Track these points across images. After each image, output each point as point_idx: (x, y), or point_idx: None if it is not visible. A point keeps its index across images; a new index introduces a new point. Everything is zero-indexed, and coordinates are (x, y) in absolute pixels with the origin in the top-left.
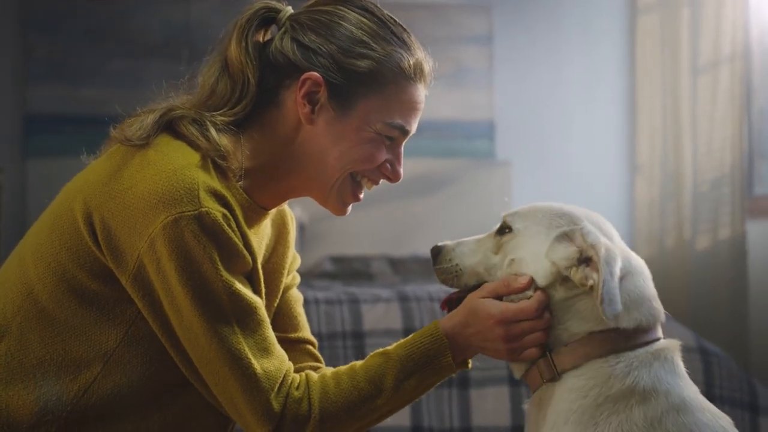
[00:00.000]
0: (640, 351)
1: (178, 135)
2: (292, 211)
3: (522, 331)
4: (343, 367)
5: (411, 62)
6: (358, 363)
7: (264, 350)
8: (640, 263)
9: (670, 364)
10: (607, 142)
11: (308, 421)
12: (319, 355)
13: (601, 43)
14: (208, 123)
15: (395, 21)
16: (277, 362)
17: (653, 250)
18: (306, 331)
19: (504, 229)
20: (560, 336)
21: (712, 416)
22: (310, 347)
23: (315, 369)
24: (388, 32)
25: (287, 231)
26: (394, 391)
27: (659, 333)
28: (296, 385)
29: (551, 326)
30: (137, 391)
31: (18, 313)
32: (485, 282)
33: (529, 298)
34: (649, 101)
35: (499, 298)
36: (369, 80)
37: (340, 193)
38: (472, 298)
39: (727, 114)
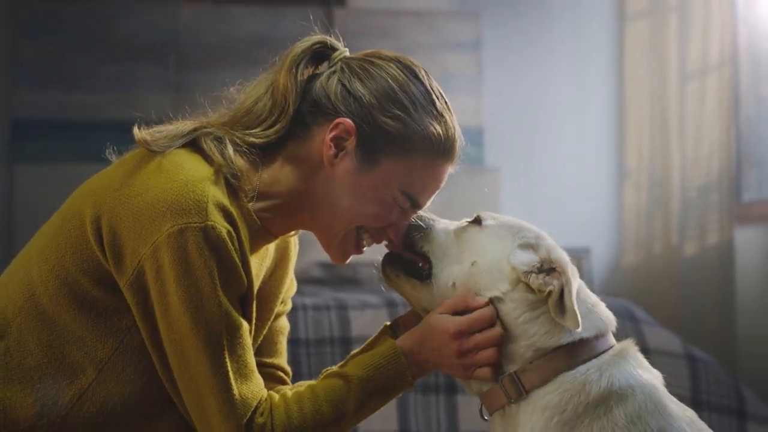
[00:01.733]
0: (604, 355)
1: (197, 149)
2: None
3: (476, 345)
4: (303, 390)
5: (444, 138)
6: (318, 385)
7: (244, 376)
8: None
9: (634, 360)
10: (595, 148)
11: None
12: (288, 382)
13: (589, 50)
14: (228, 142)
15: (440, 94)
16: (255, 389)
17: (641, 256)
18: (282, 360)
19: (474, 222)
20: (525, 353)
21: (679, 408)
22: (282, 375)
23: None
24: (429, 102)
25: (288, 258)
26: (355, 413)
27: (612, 339)
28: (261, 411)
29: (514, 343)
30: (129, 402)
31: (19, 314)
32: (431, 253)
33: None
34: (637, 107)
35: (458, 314)
36: (399, 143)
37: (343, 244)
38: (428, 316)
39: (715, 120)
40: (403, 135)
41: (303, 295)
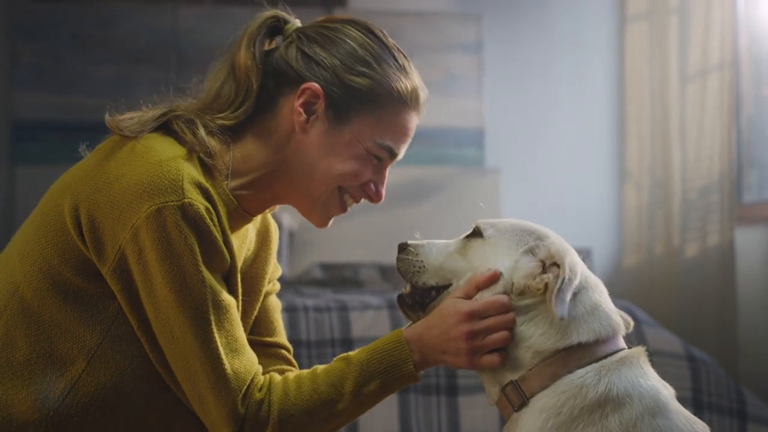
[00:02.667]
0: (605, 360)
1: (168, 131)
2: (280, 219)
3: (487, 327)
4: (305, 371)
5: (408, 88)
6: (321, 367)
7: (235, 351)
8: (596, 280)
9: (638, 368)
10: (596, 149)
11: (267, 423)
12: (293, 360)
13: (590, 51)
14: (199, 123)
15: (398, 48)
16: (247, 364)
17: (642, 257)
18: (282, 337)
19: (473, 234)
20: (523, 357)
21: (687, 420)
22: (284, 352)
23: (284, 372)
24: (390, 57)
25: (270, 240)
26: (354, 395)
27: (621, 344)
28: (258, 386)
29: (516, 347)
30: (122, 390)
31: (4, 311)
32: (447, 284)
33: None
34: (637, 109)
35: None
36: (366, 98)
37: (326, 206)
38: (441, 302)
39: (716, 122)
40: (370, 90)
41: (304, 297)
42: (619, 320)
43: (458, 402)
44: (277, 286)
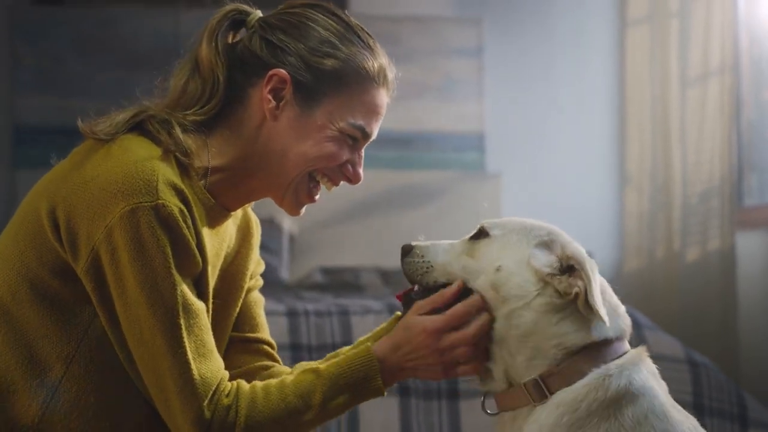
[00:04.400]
0: (624, 357)
1: (144, 132)
2: (281, 223)
3: (452, 342)
4: (273, 380)
5: (375, 66)
6: (289, 377)
7: (202, 356)
8: (605, 283)
9: (647, 365)
10: (596, 153)
11: (233, 428)
12: (276, 356)
13: (590, 55)
14: (174, 122)
15: (362, 28)
16: (214, 369)
17: (643, 261)
18: (265, 333)
19: (479, 235)
20: (553, 352)
21: (684, 416)
22: (267, 348)
23: (267, 368)
24: (355, 36)
25: (251, 235)
26: (321, 408)
27: (627, 345)
28: (226, 392)
29: (544, 342)
30: (103, 395)
31: None
32: (455, 278)
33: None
34: (638, 113)
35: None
36: (334, 79)
37: (296, 193)
38: (406, 318)
39: (717, 126)
40: (337, 71)
41: (305, 301)
42: (628, 317)
43: (459, 406)
44: (260, 281)
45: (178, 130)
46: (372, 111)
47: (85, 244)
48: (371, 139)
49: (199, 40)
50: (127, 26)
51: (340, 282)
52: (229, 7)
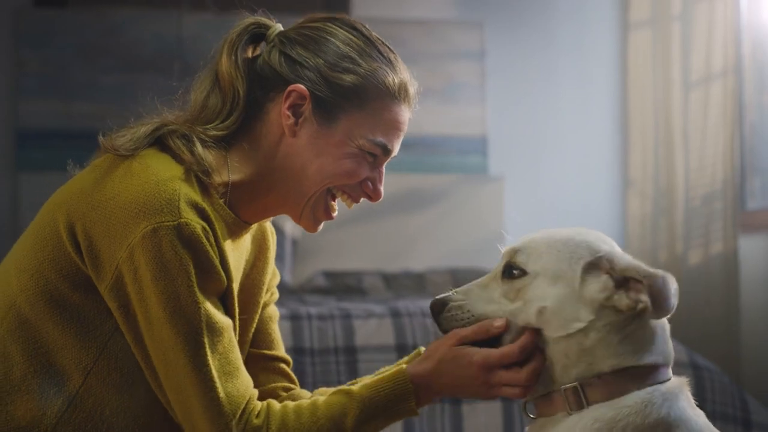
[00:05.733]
0: (669, 384)
1: (165, 148)
2: (282, 227)
3: (499, 380)
4: (305, 401)
5: (396, 81)
6: (321, 398)
7: (229, 374)
8: None
9: (687, 398)
10: (599, 157)
11: None
12: (292, 375)
13: (593, 59)
14: (195, 138)
15: (382, 41)
16: (241, 387)
17: (646, 264)
18: (280, 349)
19: (512, 270)
20: (603, 369)
21: None
22: (284, 366)
23: (287, 390)
24: (375, 51)
25: (267, 247)
26: (353, 430)
27: (671, 372)
28: (256, 412)
29: (598, 362)
30: (119, 409)
31: (0, 326)
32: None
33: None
34: (640, 116)
35: (475, 344)
36: (353, 95)
37: (314, 210)
38: (442, 347)
39: (719, 129)
40: (357, 87)
41: (307, 305)
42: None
43: (462, 410)
44: (276, 295)
45: (199, 146)
46: (393, 127)
47: (108, 263)
48: (392, 156)
49: (219, 53)
50: (130, 30)
51: (343, 286)
52: (248, 20)
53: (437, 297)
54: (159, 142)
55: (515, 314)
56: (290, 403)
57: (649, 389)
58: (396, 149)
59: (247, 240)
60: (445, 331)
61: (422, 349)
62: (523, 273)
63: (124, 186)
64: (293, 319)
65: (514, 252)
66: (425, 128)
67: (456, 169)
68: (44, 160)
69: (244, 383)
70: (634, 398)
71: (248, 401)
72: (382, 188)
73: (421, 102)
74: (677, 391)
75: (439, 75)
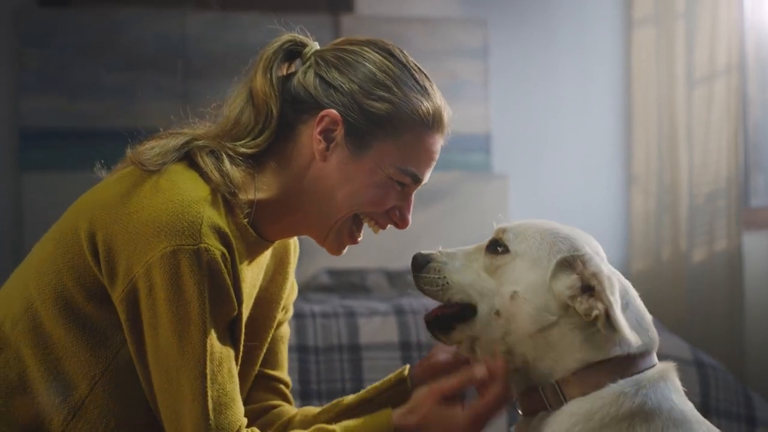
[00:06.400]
0: (646, 373)
1: (193, 164)
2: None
3: (487, 420)
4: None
5: (430, 110)
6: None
7: (224, 404)
8: (628, 284)
9: (672, 383)
10: (603, 154)
11: None
12: (289, 396)
13: (596, 56)
14: (224, 156)
15: (419, 68)
16: (233, 418)
17: (649, 262)
18: (283, 371)
19: (497, 246)
20: (572, 365)
21: (707, 429)
22: (283, 387)
23: (276, 407)
24: (410, 78)
25: (288, 262)
26: None
27: (656, 358)
28: None
29: (564, 357)
30: (125, 421)
31: (16, 326)
32: (471, 300)
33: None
34: (644, 114)
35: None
36: (386, 123)
37: (340, 234)
38: (427, 403)
39: (723, 126)
40: (390, 115)
41: (311, 303)
42: (655, 331)
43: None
44: (290, 313)
45: (227, 163)
46: (425, 158)
47: (123, 275)
48: (422, 184)
49: (255, 70)
50: (133, 29)
51: (347, 283)
52: (285, 37)
53: (422, 252)
54: (187, 157)
55: (489, 294)
56: None
57: (623, 380)
58: (426, 178)
59: (267, 253)
60: (419, 289)
61: (407, 368)
62: (506, 251)
63: (149, 202)
64: (297, 317)
65: (504, 230)
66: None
67: (459, 166)
68: (46, 159)
69: (236, 415)
70: (609, 390)
71: (238, 429)
72: (410, 216)
73: (446, 137)
74: (657, 379)
75: (443, 73)
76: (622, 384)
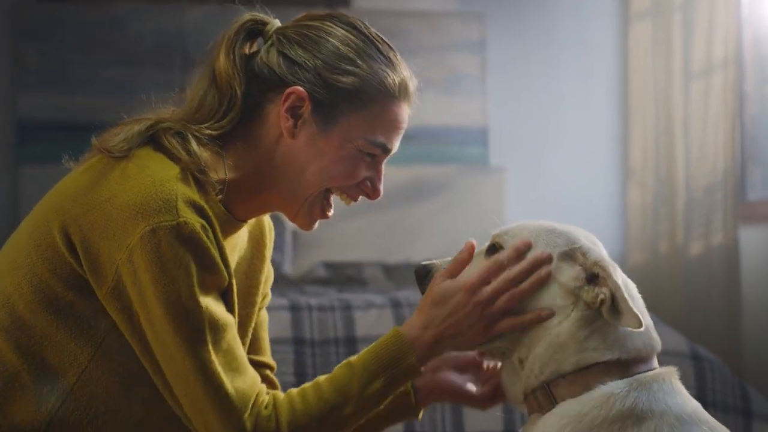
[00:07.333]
0: (639, 376)
1: (159, 147)
2: (283, 218)
3: (494, 291)
4: (308, 384)
5: (396, 81)
6: (323, 377)
7: (235, 370)
8: (632, 285)
9: (669, 385)
10: (600, 148)
11: None
12: (275, 381)
13: (594, 50)
14: (190, 136)
15: (382, 39)
16: (249, 381)
17: (646, 255)
18: (267, 356)
19: (494, 249)
20: (562, 365)
21: (709, 428)
22: (268, 372)
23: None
24: (374, 50)
25: (264, 244)
26: (360, 396)
27: (655, 363)
28: (265, 404)
29: (564, 352)
30: (113, 406)
31: None
32: None
33: None
34: (641, 107)
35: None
36: (353, 97)
37: (311, 209)
38: (432, 291)
39: (720, 120)
40: (356, 88)
41: (308, 296)
42: (657, 338)
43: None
44: (268, 298)
45: (194, 144)
46: (393, 127)
47: (107, 267)
48: (392, 153)
49: (217, 51)
50: (131, 24)
51: (343, 277)
52: (246, 16)
53: (422, 263)
54: (153, 140)
55: None
56: (294, 390)
57: (614, 382)
58: (395, 147)
59: (243, 236)
60: None
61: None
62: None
63: (120, 188)
64: (293, 310)
65: (500, 234)
66: (426, 120)
67: (457, 160)
68: (45, 153)
69: (252, 378)
70: (599, 392)
71: (258, 395)
72: (381, 187)
73: (422, 93)
74: (650, 381)
75: (440, 66)
76: (612, 386)
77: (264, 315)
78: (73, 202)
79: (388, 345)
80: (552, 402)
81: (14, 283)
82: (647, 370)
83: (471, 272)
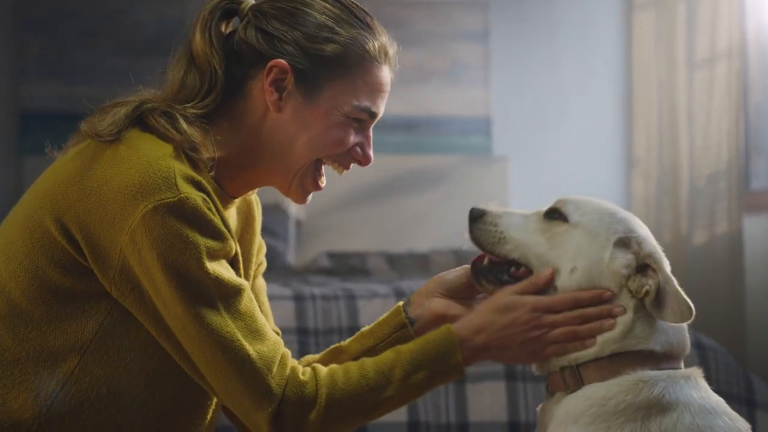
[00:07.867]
0: (668, 371)
1: (148, 128)
2: (286, 207)
3: (553, 321)
4: (351, 362)
5: (375, 45)
6: (368, 358)
7: (255, 332)
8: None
9: (695, 383)
10: (603, 137)
11: (314, 404)
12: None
13: (597, 39)
14: (178, 115)
15: (358, 5)
16: (270, 344)
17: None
18: (270, 320)
19: (555, 214)
20: (601, 349)
21: (730, 420)
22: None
23: None
24: (352, 16)
25: (253, 218)
26: (402, 383)
27: (682, 365)
28: (302, 371)
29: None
30: (115, 386)
31: None
32: (527, 261)
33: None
34: (645, 97)
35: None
36: (335, 64)
37: (303, 182)
38: (497, 295)
39: (724, 109)
40: (338, 56)
41: (311, 285)
42: (689, 339)
43: (466, 389)
44: (264, 265)
45: (183, 123)
46: (376, 90)
47: (112, 251)
48: (378, 118)
49: (192, 32)
50: (133, 13)
51: (347, 266)
52: None
53: (479, 206)
54: (140, 122)
55: (544, 261)
56: (335, 364)
57: (643, 371)
58: (381, 111)
59: (232, 213)
60: (474, 239)
61: (401, 304)
62: (565, 220)
63: (115, 171)
64: (297, 299)
65: (564, 201)
66: (429, 109)
67: (460, 149)
68: (47, 143)
69: (273, 340)
70: (628, 378)
71: (282, 356)
72: (371, 152)
73: (425, 83)
74: (679, 377)
75: (443, 56)
76: (641, 374)
77: (262, 282)
78: (67, 189)
79: (438, 340)
80: (579, 383)
81: (9, 271)
82: (674, 368)
83: (522, 236)
